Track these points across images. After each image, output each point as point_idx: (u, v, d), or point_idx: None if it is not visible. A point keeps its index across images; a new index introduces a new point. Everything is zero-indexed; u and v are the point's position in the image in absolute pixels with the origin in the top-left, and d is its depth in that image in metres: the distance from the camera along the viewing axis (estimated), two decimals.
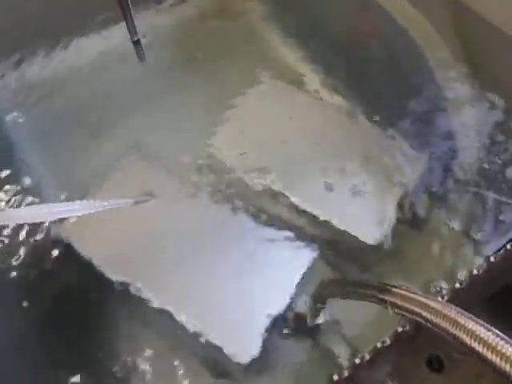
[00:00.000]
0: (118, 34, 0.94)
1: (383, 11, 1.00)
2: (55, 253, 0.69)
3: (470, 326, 0.35)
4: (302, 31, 0.98)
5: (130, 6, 0.85)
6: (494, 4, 0.91)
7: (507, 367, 0.32)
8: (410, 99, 0.87)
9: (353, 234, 0.71)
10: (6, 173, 0.77)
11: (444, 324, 0.37)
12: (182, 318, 0.63)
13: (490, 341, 0.34)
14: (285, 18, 1.01)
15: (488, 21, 0.90)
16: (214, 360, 0.62)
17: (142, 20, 0.94)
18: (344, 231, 0.71)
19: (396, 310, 0.42)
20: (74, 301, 0.67)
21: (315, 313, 0.62)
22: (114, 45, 0.94)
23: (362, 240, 0.70)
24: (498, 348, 0.33)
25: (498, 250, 0.58)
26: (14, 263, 0.68)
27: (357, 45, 0.98)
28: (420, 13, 0.98)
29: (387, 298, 0.43)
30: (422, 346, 0.52)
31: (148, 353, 0.63)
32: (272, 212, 0.74)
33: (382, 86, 0.90)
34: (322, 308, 0.60)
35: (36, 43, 0.92)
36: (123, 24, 0.90)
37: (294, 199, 0.74)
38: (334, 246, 0.71)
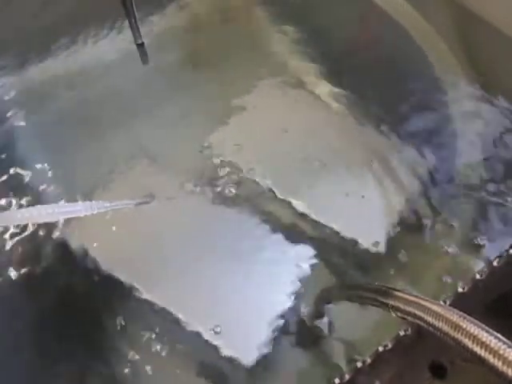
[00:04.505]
0: (122, 36, 0.94)
1: (386, 15, 1.00)
2: (57, 254, 0.69)
3: (472, 331, 0.35)
4: (305, 35, 0.98)
5: (135, 8, 0.86)
6: (494, 6, 0.91)
7: (509, 371, 0.32)
8: (414, 103, 0.87)
9: (354, 238, 0.71)
10: (8, 174, 0.77)
11: (446, 328, 0.36)
12: (184, 319, 0.64)
13: (492, 345, 0.33)
14: (287, 22, 1.01)
15: (489, 23, 0.90)
16: (215, 362, 0.62)
17: (145, 23, 0.94)
18: (346, 235, 0.71)
19: (398, 314, 0.42)
20: (76, 302, 0.67)
21: (316, 316, 0.62)
22: (117, 48, 0.94)
23: (364, 244, 0.70)
24: (501, 352, 0.32)
25: (501, 255, 0.58)
26: (16, 264, 0.68)
27: (360, 48, 0.98)
28: (422, 16, 0.98)
29: (389, 301, 0.43)
30: (425, 351, 0.52)
31: (150, 354, 0.63)
32: (274, 214, 0.74)
33: (384, 89, 0.90)
34: (323, 312, 0.60)
35: (39, 45, 0.93)
36: (127, 27, 0.91)
37: (295, 202, 0.75)
38: (335, 249, 0.71)
